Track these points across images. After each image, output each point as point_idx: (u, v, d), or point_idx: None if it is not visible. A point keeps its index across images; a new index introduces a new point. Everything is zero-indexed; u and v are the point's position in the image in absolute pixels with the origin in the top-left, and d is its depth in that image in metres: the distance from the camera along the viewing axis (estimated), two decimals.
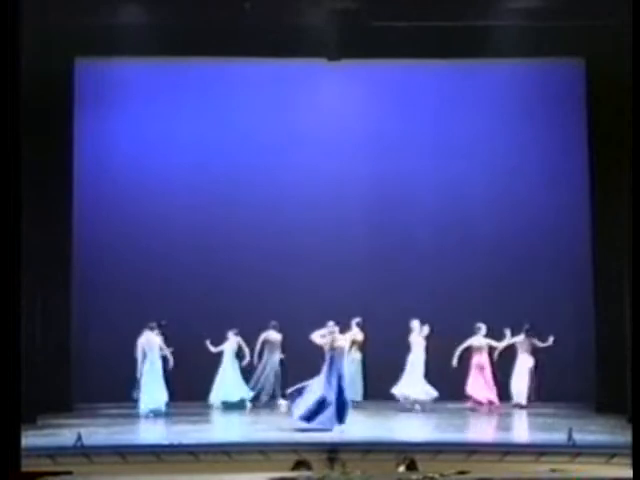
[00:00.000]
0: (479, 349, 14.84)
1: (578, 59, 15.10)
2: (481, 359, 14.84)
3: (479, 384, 14.83)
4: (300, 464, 8.34)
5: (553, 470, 8.66)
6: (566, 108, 15.71)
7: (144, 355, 14.31)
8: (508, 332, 14.96)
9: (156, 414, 14.09)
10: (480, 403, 14.83)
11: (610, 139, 14.12)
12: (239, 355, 15.33)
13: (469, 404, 14.90)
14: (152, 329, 14.28)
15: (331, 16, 14.00)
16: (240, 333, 15.28)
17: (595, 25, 14.02)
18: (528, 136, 16.13)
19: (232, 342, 15.25)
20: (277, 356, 15.33)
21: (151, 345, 14.28)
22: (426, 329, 14.75)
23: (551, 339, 14.94)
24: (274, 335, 15.35)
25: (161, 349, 14.33)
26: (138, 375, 14.22)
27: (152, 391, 14.16)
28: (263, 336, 15.30)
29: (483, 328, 14.77)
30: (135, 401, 14.30)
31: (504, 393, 15.15)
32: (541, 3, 13.73)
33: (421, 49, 14.78)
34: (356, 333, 15.02)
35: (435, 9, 13.69)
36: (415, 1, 13.76)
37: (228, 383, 15.17)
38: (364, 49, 14.74)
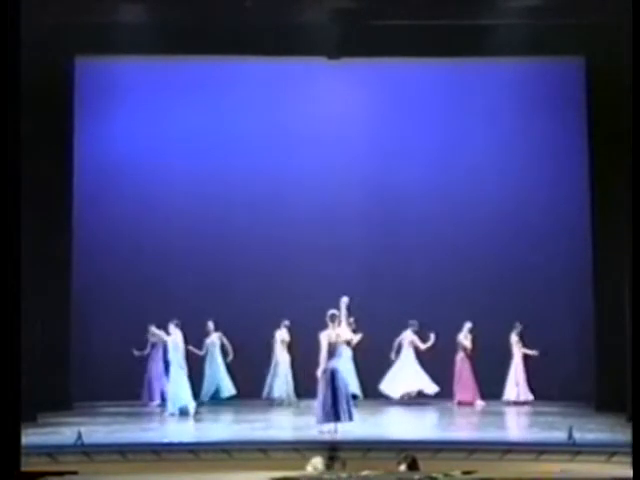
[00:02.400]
0: (457, 347, 15.21)
1: (578, 57, 15.08)
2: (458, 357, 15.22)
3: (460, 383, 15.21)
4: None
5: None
6: (566, 106, 15.68)
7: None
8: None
9: (182, 413, 13.96)
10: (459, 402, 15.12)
11: (610, 138, 14.10)
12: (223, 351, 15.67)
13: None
14: (177, 325, 14.14)
15: (331, 14, 13.99)
16: (238, 332, 15.38)
17: (595, 24, 14.00)
18: (528, 135, 16.12)
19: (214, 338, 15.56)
20: (287, 355, 15.43)
21: (177, 346, 14.19)
22: (415, 327, 15.09)
23: (536, 352, 15.05)
24: (285, 334, 15.45)
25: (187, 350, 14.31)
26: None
27: (179, 390, 14.10)
28: (277, 335, 15.42)
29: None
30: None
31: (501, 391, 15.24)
32: (541, 2, 13.70)
33: (421, 48, 14.78)
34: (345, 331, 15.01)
35: (435, 8, 13.67)
36: (415, 0, 13.75)
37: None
38: (364, 47, 14.75)
